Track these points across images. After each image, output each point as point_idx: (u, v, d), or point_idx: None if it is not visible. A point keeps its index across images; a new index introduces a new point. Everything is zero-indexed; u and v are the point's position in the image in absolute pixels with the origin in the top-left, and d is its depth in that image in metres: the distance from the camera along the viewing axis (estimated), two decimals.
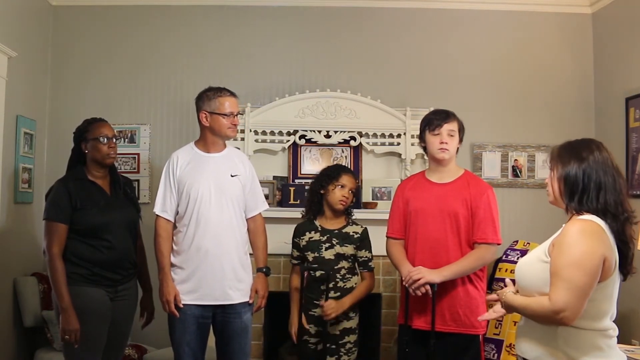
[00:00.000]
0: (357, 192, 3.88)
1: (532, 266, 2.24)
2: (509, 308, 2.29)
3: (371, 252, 3.67)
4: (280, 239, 4.68)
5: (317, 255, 3.59)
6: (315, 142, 4.87)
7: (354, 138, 4.84)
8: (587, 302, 2.07)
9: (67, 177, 3.36)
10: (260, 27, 5.05)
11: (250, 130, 4.78)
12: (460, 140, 3.35)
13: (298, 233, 3.73)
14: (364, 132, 4.84)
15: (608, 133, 4.85)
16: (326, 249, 3.59)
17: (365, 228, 3.68)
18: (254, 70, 5.01)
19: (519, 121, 5.04)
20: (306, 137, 4.84)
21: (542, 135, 5.01)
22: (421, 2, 5.06)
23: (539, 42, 5.09)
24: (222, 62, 5.02)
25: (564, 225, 2.22)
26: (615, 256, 2.13)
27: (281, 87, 4.98)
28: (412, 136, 4.81)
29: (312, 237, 3.63)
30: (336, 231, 3.62)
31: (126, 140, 4.92)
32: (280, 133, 4.83)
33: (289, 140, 4.84)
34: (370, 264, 3.66)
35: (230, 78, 4.97)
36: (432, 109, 4.81)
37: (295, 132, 4.83)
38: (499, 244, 3.25)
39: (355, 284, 3.63)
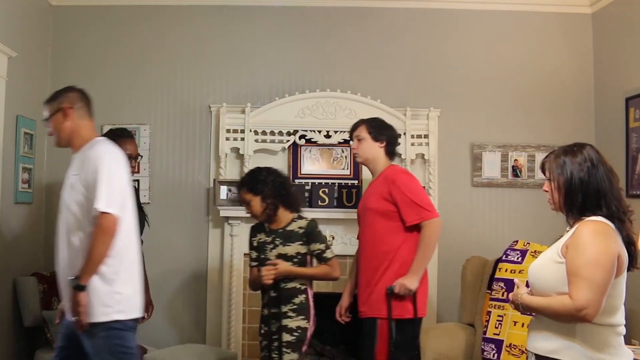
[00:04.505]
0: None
1: (546, 268, 2.29)
2: (527, 309, 2.33)
3: (324, 243, 3.48)
4: None
5: (264, 256, 3.48)
6: (315, 142, 4.87)
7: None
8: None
9: None
10: (260, 27, 5.03)
11: (250, 130, 4.78)
12: (377, 139, 3.50)
13: (251, 234, 3.63)
14: None
15: (608, 133, 4.85)
16: (271, 249, 3.46)
17: (312, 220, 3.50)
18: (254, 70, 5.01)
19: (518, 121, 5.04)
20: (306, 137, 4.84)
21: (542, 135, 5.01)
22: (421, 2, 5.06)
23: (539, 42, 5.09)
24: (222, 62, 5.01)
25: (568, 228, 2.30)
26: (625, 254, 2.21)
27: (281, 87, 4.97)
28: (412, 136, 4.84)
29: (260, 239, 3.52)
30: (280, 230, 3.47)
31: None
32: (280, 133, 4.83)
33: (289, 140, 4.84)
34: (325, 254, 3.46)
35: (230, 78, 5.01)
36: (431, 109, 4.89)
37: (295, 132, 4.83)
38: (431, 218, 3.34)
39: (301, 284, 3.46)
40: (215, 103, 4.93)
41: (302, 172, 4.91)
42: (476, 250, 4.65)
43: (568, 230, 2.29)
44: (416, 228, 3.36)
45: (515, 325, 3.90)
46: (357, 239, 3.64)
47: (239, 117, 4.81)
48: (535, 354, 2.30)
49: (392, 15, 5.06)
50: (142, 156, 4.00)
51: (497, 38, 5.10)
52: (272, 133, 4.83)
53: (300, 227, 3.46)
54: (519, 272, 4.05)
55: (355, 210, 4.62)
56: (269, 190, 3.40)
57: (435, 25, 5.09)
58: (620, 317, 2.24)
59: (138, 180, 4.85)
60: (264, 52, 5.02)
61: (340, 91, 4.86)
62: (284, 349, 3.33)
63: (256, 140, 4.81)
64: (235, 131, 4.81)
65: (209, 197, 4.90)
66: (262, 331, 3.50)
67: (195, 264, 4.82)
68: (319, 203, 4.73)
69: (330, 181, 4.88)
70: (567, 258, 2.20)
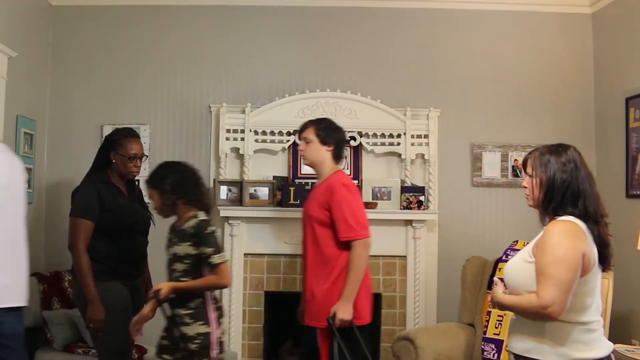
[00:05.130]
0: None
1: (518, 267, 2.36)
2: (501, 307, 2.41)
3: (212, 247, 3.06)
4: (281, 239, 4.71)
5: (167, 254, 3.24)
6: None
7: (353, 138, 4.81)
8: (572, 296, 2.20)
9: (95, 179, 3.50)
10: (260, 27, 5.02)
11: (250, 130, 4.77)
12: (325, 143, 3.43)
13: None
14: (363, 132, 4.83)
15: (608, 133, 4.84)
16: (168, 247, 3.20)
17: (202, 220, 3.11)
18: (254, 70, 5.00)
19: (518, 121, 5.02)
20: None
21: (542, 135, 4.94)
22: (421, 2, 5.04)
23: (539, 42, 5.07)
24: (222, 62, 5.00)
25: (544, 227, 2.35)
26: (594, 253, 2.26)
27: (281, 87, 4.96)
28: (412, 136, 4.83)
29: (168, 236, 3.27)
30: (178, 228, 3.17)
31: None
32: (280, 133, 4.82)
33: (288, 140, 4.83)
34: (211, 259, 3.05)
35: (231, 78, 5.00)
36: (431, 109, 4.88)
37: (295, 132, 4.72)
38: (358, 239, 3.27)
39: None
40: (215, 103, 4.92)
41: (302, 172, 4.89)
42: (476, 250, 4.65)
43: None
44: (326, 246, 3.35)
45: None
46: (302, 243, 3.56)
47: (239, 117, 4.80)
48: (514, 354, 2.37)
49: (393, 15, 5.05)
50: (147, 156, 4.00)
51: (497, 38, 5.08)
52: (272, 133, 4.82)
53: (191, 227, 3.10)
54: None
55: None
56: (167, 186, 3.16)
57: (435, 25, 5.07)
58: (592, 315, 2.28)
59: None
60: (264, 52, 5.01)
61: (340, 91, 4.84)
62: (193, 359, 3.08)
63: (256, 140, 4.80)
64: (235, 131, 4.80)
65: (209, 197, 4.87)
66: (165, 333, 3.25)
67: None
68: None
69: None
70: (536, 257, 2.26)
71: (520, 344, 2.34)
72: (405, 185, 4.80)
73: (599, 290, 2.33)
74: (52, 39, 5.00)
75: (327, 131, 3.45)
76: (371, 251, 4.74)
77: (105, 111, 4.93)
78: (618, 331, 4.15)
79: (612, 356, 2.32)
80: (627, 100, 4.55)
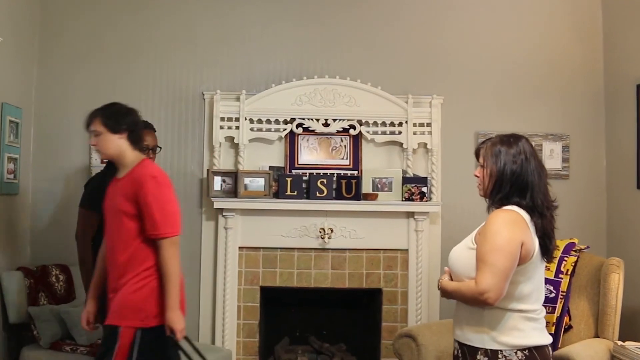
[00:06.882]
0: None
1: (461, 253, 2.46)
2: (444, 293, 2.50)
3: None
4: (277, 232, 4.60)
5: None
6: (313, 130, 4.74)
7: (353, 127, 4.73)
8: (510, 284, 2.30)
9: (106, 170, 3.59)
10: (256, 11, 4.90)
11: (246, 119, 4.67)
12: (116, 131, 3.05)
13: None
14: (364, 121, 4.74)
15: (618, 120, 4.77)
16: None
17: None
18: (249, 56, 4.88)
19: (525, 109, 4.92)
20: (304, 126, 4.72)
21: (550, 123, 4.90)
22: None
23: (547, 26, 4.97)
24: (216, 48, 4.88)
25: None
26: (534, 243, 2.34)
27: (277, 74, 4.85)
28: (414, 125, 4.74)
29: None
30: None
31: None
32: (277, 121, 4.72)
33: (285, 129, 4.73)
34: None
35: (225, 64, 4.91)
36: (434, 96, 4.75)
37: (293, 120, 4.71)
38: (165, 237, 2.94)
39: None
40: (209, 90, 4.81)
41: (299, 162, 4.78)
42: None
43: None
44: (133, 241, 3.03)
45: None
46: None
47: (233, 104, 4.69)
48: (457, 341, 2.48)
49: None
50: (161, 148, 3.93)
51: (503, 22, 4.97)
52: (268, 121, 4.72)
53: None
54: None
55: (355, 202, 4.56)
56: None
57: (438, 9, 4.96)
58: (531, 304, 2.37)
59: None
60: (260, 37, 4.89)
61: (340, 78, 4.74)
62: None
63: (251, 129, 4.70)
64: (229, 119, 4.69)
65: (202, 188, 4.78)
66: None
67: (188, 257, 4.62)
68: (317, 194, 4.59)
69: (328, 171, 4.73)
70: (477, 244, 2.37)
71: (461, 333, 2.44)
72: (407, 175, 4.70)
73: (541, 282, 2.44)
74: (40, 25, 4.86)
75: (116, 118, 3.11)
76: (372, 245, 4.69)
77: (94, 99, 4.62)
78: (629, 328, 4.03)
79: (549, 350, 2.40)
80: (638, 86, 4.48)
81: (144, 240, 3.00)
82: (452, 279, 2.48)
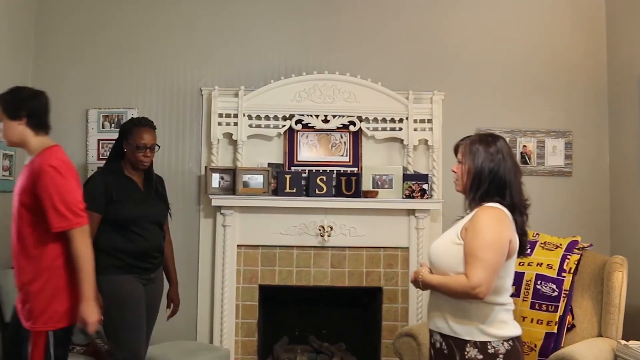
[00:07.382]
0: None
1: (446, 248, 2.52)
2: (427, 286, 2.56)
3: None
4: (276, 230, 4.55)
5: None
6: (312, 127, 4.68)
7: (353, 123, 4.67)
8: (496, 278, 2.42)
9: (106, 169, 3.66)
10: (254, 5, 4.85)
11: (244, 115, 4.61)
12: (15, 117, 2.91)
13: None
14: (364, 117, 4.68)
15: (621, 116, 4.71)
16: None
17: None
18: (248, 51, 4.82)
19: (527, 105, 4.86)
20: (303, 122, 4.66)
21: (552, 119, 4.84)
22: None
23: (549, 19, 4.91)
24: (214, 43, 4.82)
25: (468, 211, 2.55)
26: (516, 240, 2.48)
27: (276, 69, 4.79)
28: (415, 121, 4.68)
29: None
30: None
31: (113, 124, 4.72)
32: (276, 118, 4.67)
33: (284, 126, 4.67)
34: None
35: (223, 59, 4.86)
36: (435, 92, 4.69)
37: (292, 116, 4.66)
38: (76, 227, 2.82)
39: None
40: (207, 86, 4.76)
41: (298, 159, 4.73)
42: None
43: (468, 213, 2.54)
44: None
45: (524, 320, 3.72)
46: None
47: (231, 100, 4.63)
48: (439, 333, 2.54)
49: None
50: (159, 146, 3.85)
51: (505, 17, 4.91)
52: (267, 118, 4.67)
53: None
54: (528, 264, 3.85)
55: (355, 199, 4.51)
56: None
57: (440, 4, 4.90)
58: (507, 296, 2.51)
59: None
60: (258, 32, 4.83)
61: (339, 73, 4.69)
62: None
63: (250, 125, 4.64)
64: (227, 116, 4.63)
65: (200, 185, 4.72)
66: None
67: (186, 255, 4.63)
68: (317, 191, 4.53)
69: (328, 168, 4.68)
70: (465, 240, 2.44)
71: (445, 325, 2.50)
72: (408, 172, 4.65)
73: (513, 275, 2.57)
74: (36, 19, 4.80)
75: (14, 103, 2.95)
76: (372, 242, 4.64)
77: (90, 94, 4.78)
78: (632, 327, 3.98)
79: (518, 339, 2.53)
80: None
81: (43, 234, 2.84)
82: (431, 273, 2.57)
